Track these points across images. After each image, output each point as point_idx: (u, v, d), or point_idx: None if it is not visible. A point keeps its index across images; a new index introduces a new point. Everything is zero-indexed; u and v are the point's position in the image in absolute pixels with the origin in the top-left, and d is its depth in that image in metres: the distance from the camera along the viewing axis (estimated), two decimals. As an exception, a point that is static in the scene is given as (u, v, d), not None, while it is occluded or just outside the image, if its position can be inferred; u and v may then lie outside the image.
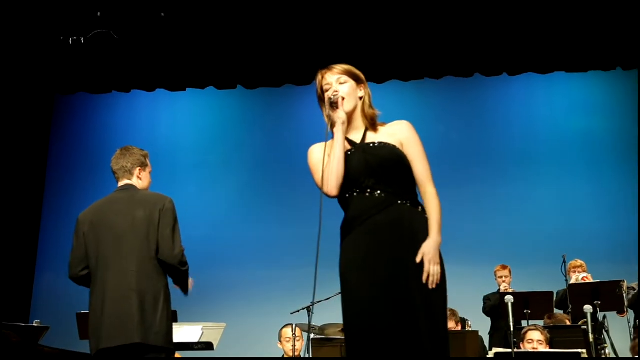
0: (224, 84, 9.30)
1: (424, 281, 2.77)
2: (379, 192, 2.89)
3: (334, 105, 2.97)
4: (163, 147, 9.65)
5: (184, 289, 4.12)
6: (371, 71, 8.01)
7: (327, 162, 2.93)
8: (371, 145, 2.99)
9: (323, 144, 3.04)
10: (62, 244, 9.55)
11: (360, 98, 3.09)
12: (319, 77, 3.10)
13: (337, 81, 3.04)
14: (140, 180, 4.19)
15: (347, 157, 2.94)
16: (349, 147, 3.01)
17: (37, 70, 8.86)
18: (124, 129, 10.20)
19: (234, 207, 9.77)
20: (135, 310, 3.77)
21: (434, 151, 10.04)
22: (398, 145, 2.98)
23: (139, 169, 4.19)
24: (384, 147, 2.97)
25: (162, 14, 7.81)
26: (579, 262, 7.58)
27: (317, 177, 2.99)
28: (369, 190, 2.90)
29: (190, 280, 4.20)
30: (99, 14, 7.64)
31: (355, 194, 2.93)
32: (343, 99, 3.00)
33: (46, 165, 9.96)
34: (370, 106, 3.11)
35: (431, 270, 2.78)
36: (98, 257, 3.94)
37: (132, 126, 10.18)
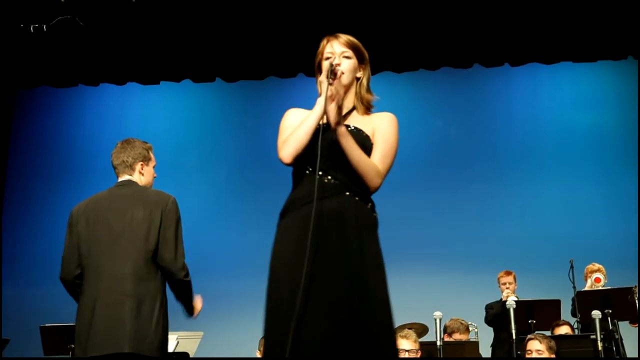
0: (201, 77, 9.28)
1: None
2: (329, 177, 2.91)
3: (331, 75, 2.94)
4: (134, 145, 9.62)
5: (189, 307, 4.10)
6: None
7: (297, 127, 2.94)
8: (345, 127, 2.97)
9: (304, 110, 3.06)
10: (25, 252, 9.55)
11: (358, 79, 3.11)
12: (324, 41, 3.11)
13: (341, 54, 3.06)
14: (142, 175, 4.20)
15: (318, 130, 2.92)
16: (324, 121, 2.98)
17: (-4, 61, 8.84)
18: (92, 126, 10.17)
19: (212, 212, 9.76)
20: (128, 317, 3.77)
21: (430, 149, 10.19)
22: (371, 134, 3.02)
23: (141, 164, 4.20)
24: (356, 133, 2.99)
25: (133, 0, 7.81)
26: (597, 266, 7.51)
27: (281, 139, 3.00)
28: (320, 173, 2.88)
29: (198, 299, 4.14)
30: (63, -2, 7.65)
31: (307, 172, 2.94)
32: (342, 73, 3.00)
33: (6, 167, 9.91)
34: (368, 90, 3.13)
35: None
36: (91, 257, 3.93)
37: (100, 123, 10.14)
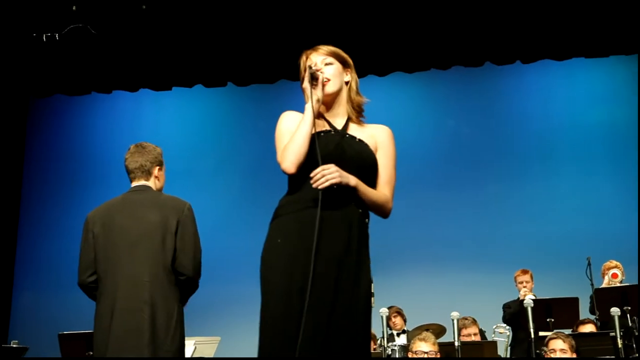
0: (213, 82, 9.30)
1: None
2: (335, 185, 2.87)
3: (314, 79, 2.97)
4: (148, 151, 9.64)
5: (185, 301, 4.11)
6: (373, 63, 7.96)
7: (292, 136, 2.95)
8: (352, 137, 3.03)
9: (299, 113, 3.07)
10: (42, 258, 9.59)
11: (347, 83, 3.14)
12: (303, 57, 3.14)
13: (323, 62, 3.08)
14: (157, 180, 4.21)
15: (323, 138, 2.96)
16: (328, 128, 3.05)
17: (9, 70, 8.86)
18: (105, 133, 10.21)
19: (227, 216, 9.76)
20: (147, 326, 3.77)
21: (443, 148, 10.16)
22: (373, 149, 3.05)
23: (157, 168, 4.21)
24: (364, 145, 3.03)
25: (144, 6, 7.82)
26: (614, 262, 7.46)
27: (279, 145, 3.00)
28: None
29: None
30: (74, 7, 7.65)
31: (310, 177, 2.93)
32: (328, 80, 3.04)
33: (21, 175, 9.96)
34: (357, 92, 3.16)
35: (325, 171, 2.80)
36: (108, 263, 3.92)
37: (114, 130, 10.18)
